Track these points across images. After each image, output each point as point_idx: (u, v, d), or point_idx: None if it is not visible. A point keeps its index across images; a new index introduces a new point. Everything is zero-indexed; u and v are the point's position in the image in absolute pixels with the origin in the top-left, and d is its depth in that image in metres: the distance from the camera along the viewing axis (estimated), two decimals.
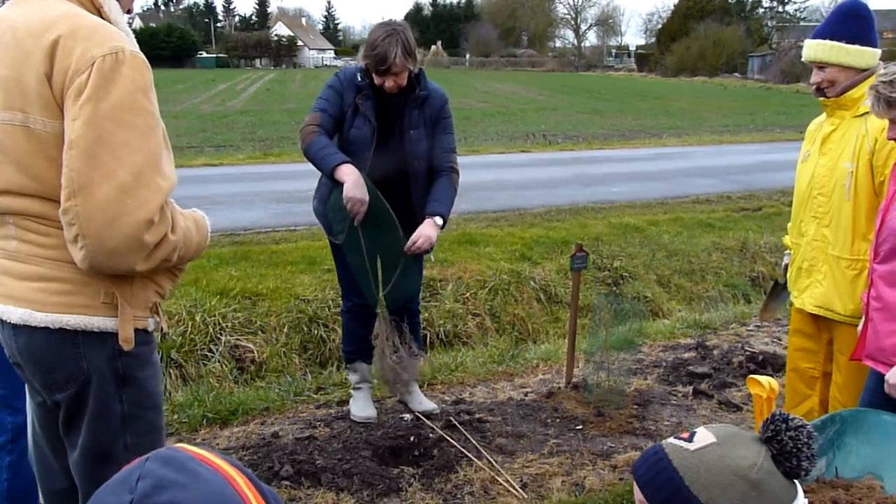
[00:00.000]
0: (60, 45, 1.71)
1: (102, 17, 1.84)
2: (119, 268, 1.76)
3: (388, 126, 3.59)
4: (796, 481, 1.60)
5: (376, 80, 3.49)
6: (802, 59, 3.21)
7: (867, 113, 2.95)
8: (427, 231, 3.55)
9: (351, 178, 3.36)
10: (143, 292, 1.90)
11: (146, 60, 1.82)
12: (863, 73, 3.02)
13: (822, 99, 3.14)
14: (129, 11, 2.01)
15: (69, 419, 1.91)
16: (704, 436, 1.58)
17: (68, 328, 1.81)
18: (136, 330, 1.89)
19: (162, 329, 2.01)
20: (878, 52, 3.05)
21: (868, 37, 3.02)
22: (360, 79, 3.55)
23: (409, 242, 3.51)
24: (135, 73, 1.74)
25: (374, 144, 3.55)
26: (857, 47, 2.98)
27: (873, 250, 2.64)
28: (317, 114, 3.58)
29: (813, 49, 3.08)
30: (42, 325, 1.81)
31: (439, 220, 3.59)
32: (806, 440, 1.53)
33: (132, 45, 1.79)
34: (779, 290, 3.73)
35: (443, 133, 3.70)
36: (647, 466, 1.59)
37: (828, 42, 3.02)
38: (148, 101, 1.77)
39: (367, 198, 3.36)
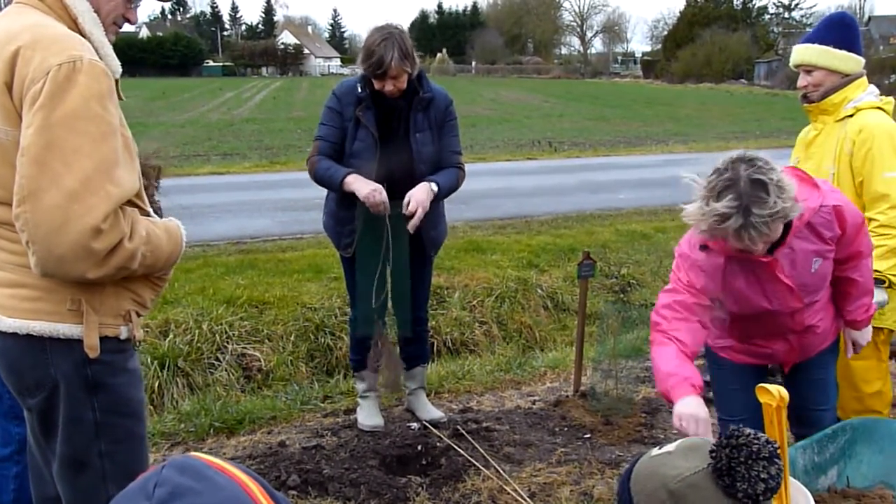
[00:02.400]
0: (21, 54, 1.73)
1: (77, 29, 1.85)
2: (70, 275, 1.75)
3: (392, 132, 3.57)
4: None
5: (376, 85, 3.47)
6: (791, 65, 3.40)
7: (847, 117, 3.17)
8: (419, 195, 3.44)
9: (359, 185, 3.41)
10: (114, 300, 1.90)
11: (107, 70, 1.81)
12: (845, 78, 3.19)
13: (805, 105, 3.32)
14: (128, 20, 2.01)
15: (43, 426, 1.93)
16: (671, 445, 1.61)
17: (35, 334, 1.83)
18: (108, 338, 1.89)
19: (135, 337, 1.98)
20: (862, 60, 3.22)
21: (853, 44, 3.20)
22: (359, 90, 3.53)
23: (403, 206, 3.45)
24: (91, 80, 1.74)
25: (378, 154, 3.53)
26: (843, 52, 3.16)
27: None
28: (317, 143, 3.61)
29: (801, 53, 3.25)
30: (11, 331, 1.83)
31: (434, 187, 3.51)
32: (744, 460, 1.48)
33: (92, 54, 1.79)
34: None
35: (449, 135, 3.67)
36: (625, 469, 1.66)
37: (817, 46, 3.19)
38: (103, 108, 1.76)
39: (381, 192, 3.39)
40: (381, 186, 3.41)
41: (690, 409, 2.28)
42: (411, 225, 3.44)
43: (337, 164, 3.55)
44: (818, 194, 2.43)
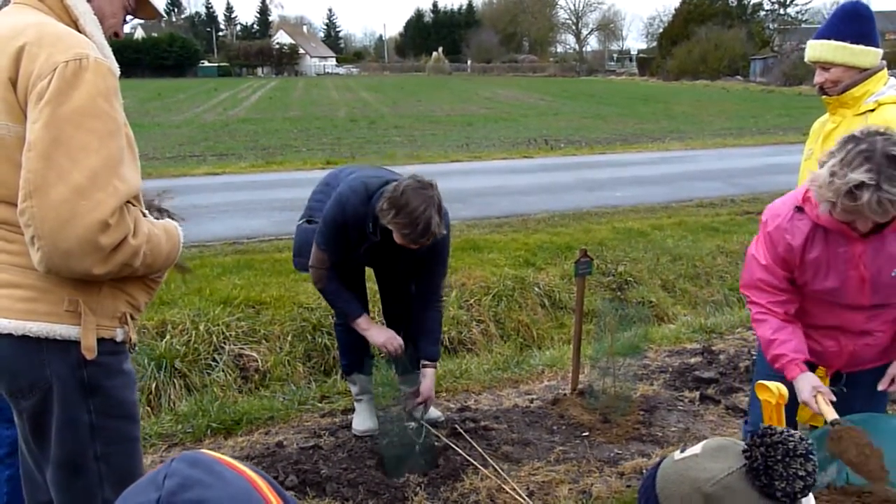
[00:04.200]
0: (26, 51, 1.74)
1: (78, 30, 1.86)
2: (76, 270, 1.75)
3: (383, 259, 3.62)
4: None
5: (399, 240, 3.30)
6: (806, 60, 3.26)
7: (868, 111, 3.04)
8: (429, 387, 3.67)
9: (373, 333, 3.66)
10: (111, 302, 1.90)
11: (112, 68, 1.83)
12: (864, 72, 3.06)
13: (824, 97, 3.19)
14: (116, 35, 2.02)
15: (36, 429, 1.92)
16: (695, 447, 1.58)
17: (31, 335, 1.82)
18: (104, 339, 1.88)
19: (130, 339, 1.98)
20: (881, 51, 3.09)
21: (871, 37, 3.06)
22: (371, 229, 3.39)
23: (418, 399, 3.66)
24: (97, 78, 1.75)
25: (364, 268, 3.81)
26: (861, 47, 3.02)
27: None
28: (324, 256, 3.56)
29: (818, 49, 3.11)
30: (6, 332, 1.82)
31: (435, 363, 3.76)
32: (780, 458, 1.45)
33: (97, 53, 1.80)
34: None
35: (435, 266, 3.70)
36: (646, 473, 1.63)
37: (833, 42, 3.05)
38: (110, 105, 1.77)
39: (397, 337, 3.64)
40: (394, 333, 3.66)
41: (814, 382, 2.55)
42: (417, 411, 3.72)
43: (343, 287, 3.65)
44: None
